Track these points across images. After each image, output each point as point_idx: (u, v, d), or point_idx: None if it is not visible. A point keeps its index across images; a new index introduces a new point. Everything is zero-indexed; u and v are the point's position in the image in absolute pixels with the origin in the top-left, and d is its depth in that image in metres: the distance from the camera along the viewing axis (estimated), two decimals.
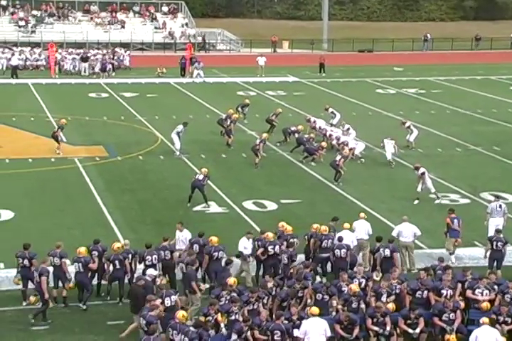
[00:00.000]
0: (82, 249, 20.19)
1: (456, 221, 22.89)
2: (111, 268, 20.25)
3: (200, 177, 27.78)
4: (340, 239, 21.41)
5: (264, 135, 34.06)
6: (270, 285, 19.02)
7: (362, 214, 23.27)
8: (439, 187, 30.24)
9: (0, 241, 23.51)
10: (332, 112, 38.93)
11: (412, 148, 35.83)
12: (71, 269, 20.22)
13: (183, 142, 34.54)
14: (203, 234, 21.43)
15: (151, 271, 19.67)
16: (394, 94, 52.44)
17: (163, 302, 17.71)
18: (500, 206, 24.23)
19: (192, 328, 16.56)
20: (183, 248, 21.41)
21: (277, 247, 21.03)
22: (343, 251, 21.09)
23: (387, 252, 21.04)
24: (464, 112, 45.55)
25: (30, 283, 19.77)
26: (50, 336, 18.29)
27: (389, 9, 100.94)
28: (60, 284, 19.99)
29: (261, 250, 21.11)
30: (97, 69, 57.01)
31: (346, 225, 22.18)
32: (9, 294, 20.08)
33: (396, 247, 21.44)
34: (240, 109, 40.13)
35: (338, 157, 30.79)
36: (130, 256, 20.32)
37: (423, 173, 28.52)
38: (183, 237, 21.67)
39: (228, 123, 36.74)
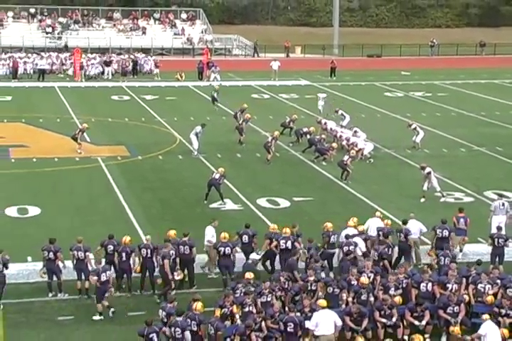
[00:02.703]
0: (128, 239, 20.38)
1: (462, 220, 22.82)
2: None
3: (217, 176, 27.82)
4: (347, 236, 21.42)
5: (276, 133, 34.30)
6: (283, 279, 19.04)
7: (378, 213, 23.23)
8: (444, 186, 30.18)
9: (27, 235, 23.59)
10: (342, 114, 38.92)
11: (419, 148, 35.75)
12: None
13: (201, 142, 34.58)
14: (248, 226, 21.76)
15: (253, 256, 20.30)
16: (401, 97, 52.33)
17: (99, 277, 18.80)
18: (504, 204, 24.17)
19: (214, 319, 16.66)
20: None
21: (289, 242, 21.03)
22: (351, 247, 21.07)
23: (446, 233, 21.73)
24: (469, 114, 45.43)
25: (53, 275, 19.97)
26: (75, 326, 18.35)
27: (397, 16, 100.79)
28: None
29: (274, 244, 21.12)
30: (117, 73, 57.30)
31: (350, 223, 22.14)
32: (36, 286, 20.16)
33: (453, 228, 22.19)
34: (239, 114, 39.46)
35: (346, 157, 30.79)
36: (150, 251, 20.37)
37: (429, 173, 28.46)
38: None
39: (240, 122, 37.01)
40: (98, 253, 20.61)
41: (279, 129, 37.22)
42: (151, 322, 16.39)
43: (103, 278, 18.95)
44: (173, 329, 16.40)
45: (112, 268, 20.09)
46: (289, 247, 21.00)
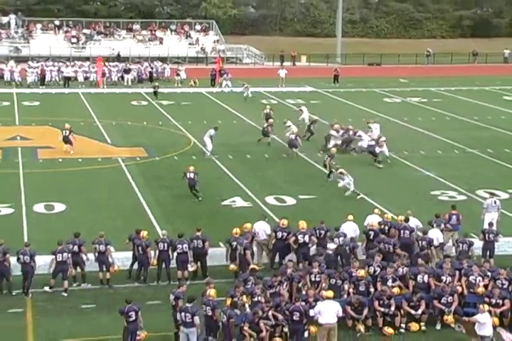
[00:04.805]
0: (145, 233, 20.41)
1: (454, 217, 22.79)
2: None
3: (192, 175, 27.85)
4: (337, 228, 21.44)
5: (295, 129, 35.12)
6: (289, 271, 19.04)
7: (376, 210, 23.20)
8: (439, 185, 30.18)
9: (54, 230, 23.63)
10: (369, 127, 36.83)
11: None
12: (115, 255, 20.43)
13: (214, 144, 34.55)
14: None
15: (331, 245, 20.39)
16: (399, 103, 52.23)
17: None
18: (495, 202, 24.16)
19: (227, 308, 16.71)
20: (261, 238, 21.47)
21: (307, 237, 20.98)
22: (341, 239, 21.04)
23: (442, 226, 22.07)
24: (462, 119, 45.31)
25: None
26: (96, 313, 18.40)
27: (395, 28, 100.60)
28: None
29: (293, 238, 21.06)
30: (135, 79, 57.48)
31: (350, 217, 22.13)
32: (59, 277, 20.11)
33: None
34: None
35: (326, 156, 30.88)
36: (166, 244, 20.39)
37: (342, 173, 28.65)
38: (260, 229, 21.69)
39: (265, 126, 37.18)
40: (126, 246, 20.65)
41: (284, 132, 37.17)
42: (131, 301, 16.76)
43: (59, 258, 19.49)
44: (183, 314, 16.47)
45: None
46: (307, 241, 20.98)
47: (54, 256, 19.57)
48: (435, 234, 21.54)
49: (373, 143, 33.74)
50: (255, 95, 51.80)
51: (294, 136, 34.75)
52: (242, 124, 39.64)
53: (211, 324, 16.71)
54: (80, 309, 18.81)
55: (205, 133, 34.80)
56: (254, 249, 21.28)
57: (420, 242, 21.03)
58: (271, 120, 37.98)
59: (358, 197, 28.22)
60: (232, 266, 20.20)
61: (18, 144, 36.35)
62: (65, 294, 19.56)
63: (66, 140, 34.59)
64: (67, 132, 34.68)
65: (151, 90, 51.31)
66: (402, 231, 21.45)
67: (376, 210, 23.26)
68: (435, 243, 21.22)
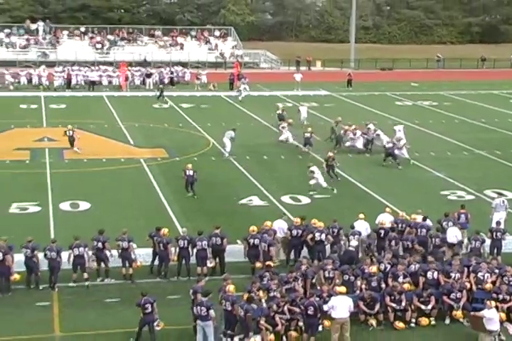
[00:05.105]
0: (166, 231, 20.45)
1: (463, 216, 22.72)
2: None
3: (191, 172, 27.94)
4: (352, 226, 21.39)
5: (309, 129, 35.36)
6: (304, 267, 19.02)
7: (388, 209, 23.16)
8: (448, 185, 30.07)
9: (79, 227, 23.68)
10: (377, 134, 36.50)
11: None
12: (138, 252, 20.48)
13: (233, 145, 34.57)
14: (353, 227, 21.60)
15: (353, 243, 20.41)
16: (410, 106, 52.04)
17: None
18: (504, 202, 24.09)
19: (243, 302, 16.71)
20: (279, 235, 21.44)
21: (323, 235, 20.95)
22: (356, 237, 21.02)
23: (451, 224, 21.93)
24: (471, 122, 45.11)
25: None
26: (120, 307, 18.46)
27: (407, 34, 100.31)
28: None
29: (310, 236, 21.03)
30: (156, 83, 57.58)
31: (361, 216, 22.08)
32: (87, 272, 20.22)
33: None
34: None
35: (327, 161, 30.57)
36: (186, 241, 20.42)
37: (312, 172, 28.56)
38: (279, 227, 21.71)
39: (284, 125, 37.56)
40: (147, 243, 20.70)
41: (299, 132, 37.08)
42: (146, 293, 16.91)
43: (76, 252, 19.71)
44: (199, 308, 16.51)
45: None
46: (323, 239, 20.96)
47: (71, 251, 19.67)
48: (454, 232, 21.51)
49: (391, 145, 33.53)
50: (272, 98, 51.76)
51: (309, 134, 35.01)
52: (259, 126, 39.66)
53: (230, 318, 16.71)
54: (104, 303, 18.89)
55: (224, 134, 34.83)
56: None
57: (434, 239, 21.01)
58: (290, 120, 38.16)
59: (334, 191, 28.39)
60: (258, 265, 20.04)
61: (46, 145, 36.52)
62: (87, 283, 19.69)
63: (70, 140, 34.82)
64: (71, 132, 34.85)
65: (158, 93, 51.32)
66: (419, 230, 21.42)
67: (387, 209, 23.21)
68: (454, 240, 21.20)
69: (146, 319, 16.72)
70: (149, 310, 16.72)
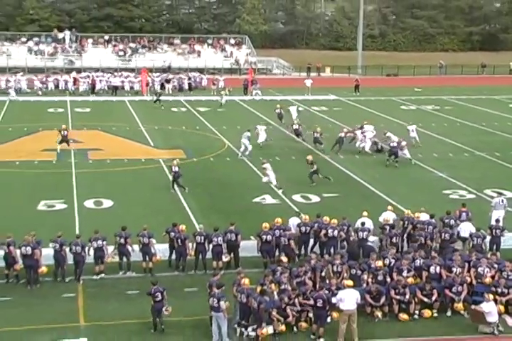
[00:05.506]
0: (183, 227, 20.50)
1: (464, 214, 22.64)
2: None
3: (176, 168, 28.02)
4: (363, 223, 21.33)
5: (318, 129, 35.91)
6: (313, 262, 19.00)
7: (390, 207, 23.12)
8: (450, 184, 29.97)
9: (102, 223, 23.71)
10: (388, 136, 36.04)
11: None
12: (157, 247, 20.51)
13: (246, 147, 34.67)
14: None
15: (372, 238, 20.58)
16: (414, 110, 51.87)
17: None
18: (503, 200, 24.04)
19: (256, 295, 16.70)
20: (293, 232, 21.42)
21: (336, 231, 20.94)
22: (365, 233, 21.01)
23: (452, 221, 21.98)
24: (471, 125, 44.93)
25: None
26: (140, 299, 18.46)
27: (411, 42, 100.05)
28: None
29: (323, 232, 21.03)
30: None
31: (365, 213, 22.04)
32: (109, 266, 20.28)
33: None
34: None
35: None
36: (202, 237, 20.45)
37: (264, 168, 28.67)
38: (293, 224, 21.75)
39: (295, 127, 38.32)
40: (166, 238, 20.74)
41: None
42: (157, 282, 17.08)
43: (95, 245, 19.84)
44: (212, 299, 16.54)
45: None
46: (335, 235, 20.95)
47: (90, 243, 19.75)
48: (468, 227, 21.55)
49: (395, 144, 33.50)
50: (284, 102, 51.73)
51: (318, 134, 35.65)
52: (272, 129, 39.61)
53: (245, 310, 16.71)
54: (126, 294, 18.95)
55: (242, 136, 34.86)
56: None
57: (444, 234, 20.98)
58: (296, 121, 38.74)
59: (280, 190, 28.29)
60: (283, 258, 19.69)
61: (71, 146, 36.64)
62: (103, 275, 19.81)
63: (65, 140, 34.92)
64: (66, 132, 34.96)
65: (155, 97, 50.98)
66: (426, 227, 21.45)
67: (389, 207, 23.17)
68: (466, 235, 21.28)
69: (156, 307, 16.84)
70: (159, 298, 16.85)
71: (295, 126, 37.63)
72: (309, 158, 30.33)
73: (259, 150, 35.79)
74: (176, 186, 28.36)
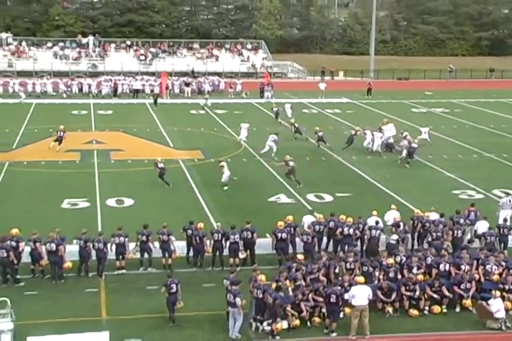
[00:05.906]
0: (202, 225, 20.53)
1: (472, 213, 22.55)
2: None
3: (162, 165, 28.29)
4: (377, 222, 21.27)
5: (317, 128, 36.80)
6: (324, 259, 18.97)
7: (393, 206, 23.03)
8: (459, 185, 29.84)
9: (123, 221, 23.75)
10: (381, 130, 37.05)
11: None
12: (176, 244, 20.53)
13: (263, 148, 34.63)
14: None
15: (394, 236, 20.43)
16: (425, 113, 51.65)
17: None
18: (510, 200, 23.94)
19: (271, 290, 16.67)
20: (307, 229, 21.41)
21: (351, 230, 20.92)
22: (378, 232, 20.95)
23: (462, 220, 21.86)
24: (480, 127, 44.69)
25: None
26: (159, 294, 18.44)
27: (422, 47, 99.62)
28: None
29: (339, 230, 21.00)
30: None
31: (374, 212, 21.97)
32: (130, 262, 20.35)
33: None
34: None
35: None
36: (220, 235, 20.47)
37: (222, 166, 28.75)
38: (308, 221, 21.76)
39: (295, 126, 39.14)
40: (182, 235, 20.79)
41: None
42: (172, 275, 17.19)
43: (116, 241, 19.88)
44: (228, 295, 16.57)
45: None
46: (351, 234, 20.93)
47: (112, 239, 19.82)
48: (485, 226, 21.51)
49: (416, 145, 33.76)
50: (298, 105, 51.69)
51: (322, 133, 36.40)
52: (286, 131, 39.55)
53: (261, 305, 16.73)
54: (146, 290, 19.00)
55: (268, 138, 35.08)
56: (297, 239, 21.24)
57: (456, 231, 20.91)
58: (292, 120, 39.58)
59: (225, 188, 28.40)
60: (299, 256, 19.77)
61: (94, 147, 36.80)
62: (124, 271, 19.88)
63: (59, 139, 35.11)
64: (62, 133, 35.10)
65: (153, 100, 51.49)
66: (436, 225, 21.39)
67: (393, 206, 23.06)
68: (480, 232, 21.25)
69: (170, 299, 16.92)
70: (174, 289, 16.93)
71: (319, 133, 36.61)
72: (286, 158, 30.06)
73: (279, 151, 35.78)
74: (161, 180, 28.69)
